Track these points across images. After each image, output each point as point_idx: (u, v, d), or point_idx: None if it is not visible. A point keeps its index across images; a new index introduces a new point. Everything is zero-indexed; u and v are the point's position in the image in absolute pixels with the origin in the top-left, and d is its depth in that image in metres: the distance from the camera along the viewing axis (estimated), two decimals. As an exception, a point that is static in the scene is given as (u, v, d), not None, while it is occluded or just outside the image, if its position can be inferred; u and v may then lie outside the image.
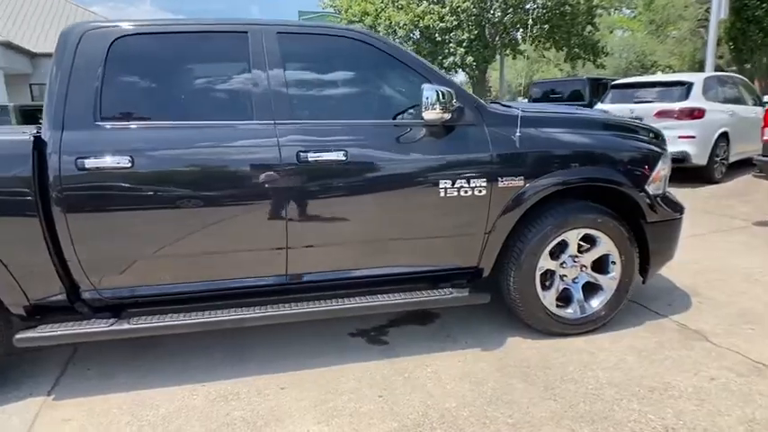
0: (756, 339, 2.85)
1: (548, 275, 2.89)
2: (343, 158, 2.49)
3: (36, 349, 2.68)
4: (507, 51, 17.18)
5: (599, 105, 8.17)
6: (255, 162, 2.44)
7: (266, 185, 2.44)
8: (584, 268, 2.92)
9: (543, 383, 2.48)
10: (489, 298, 2.79)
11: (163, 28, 2.50)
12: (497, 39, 15.16)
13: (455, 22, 13.67)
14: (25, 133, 2.31)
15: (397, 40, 15.04)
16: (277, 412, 2.32)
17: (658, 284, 3.63)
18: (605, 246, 2.87)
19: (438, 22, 13.78)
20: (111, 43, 2.39)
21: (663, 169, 2.94)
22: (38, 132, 2.35)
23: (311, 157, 2.45)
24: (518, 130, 2.68)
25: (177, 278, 2.52)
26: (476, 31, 13.89)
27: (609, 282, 2.93)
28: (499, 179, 2.65)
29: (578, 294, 2.94)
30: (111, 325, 2.44)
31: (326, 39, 2.67)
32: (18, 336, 2.37)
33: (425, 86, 2.38)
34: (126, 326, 2.44)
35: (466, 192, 2.63)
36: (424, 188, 2.59)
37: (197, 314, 2.52)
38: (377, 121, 2.60)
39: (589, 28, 16.25)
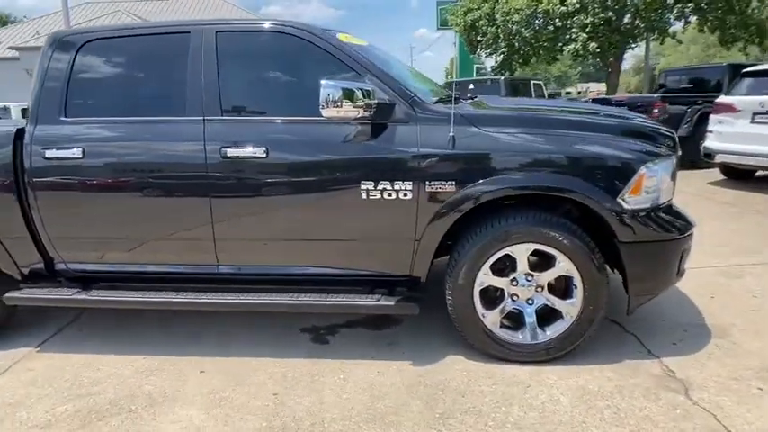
0: (755, 402, 2.23)
1: (496, 292, 2.59)
2: (264, 155, 2.52)
3: (42, 309, 3.20)
4: (655, 35, 15.11)
5: (721, 98, 6.86)
6: (184, 156, 2.59)
7: (194, 179, 2.58)
8: (539, 289, 2.55)
9: (443, 410, 2.26)
10: (418, 310, 2.60)
11: (118, 32, 2.78)
12: (636, 21, 13.34)
13: (578, 5, 12.39)
14: (11, 127, 2.76)
15: (514, 26, 14.23)
16: (178, 393, 2.47)
17: (683, 316, 3.04)
18: (564, 266, 2.47)
19: (558, 6, 12.62)
20: (79, 48, 2.73)
21: (649, 179, 2.42)
22: (24, 126, 2.78)
23: (230, 152, 2.53)
24: (451, 130, 2.43)
25: (127, 259, 2.81)
26: (602, 14, 12.41)
27: (569, 308, 2.53)
28: (427, 183, 2.45)
29: (530, 318, 2.58)
30: (73, 294, 2.81)
31: (264, 35, 2.71)
32: (6, 295, 2.86)
33: (323, 83, 2.28)
34: (83, 296, 2.79)
35: (390, 195, 2.47)
36: (346, 188, 2.50)
37: (143, 293, 2.78)
38: (301, 118, 2.56)
39: (755, 3, 13.41)
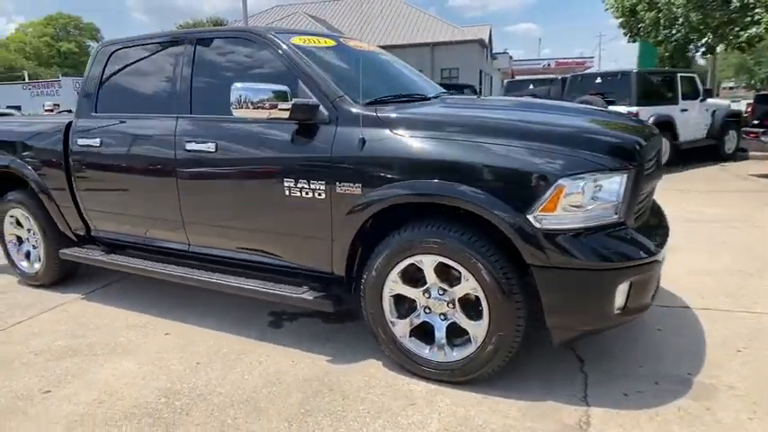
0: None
1: (408, 302, 2.48)
2: (213, 150, 2.80)
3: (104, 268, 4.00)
4: None
5: None
6: (163, 149, 3.00)
7: (169, 168, 2.99)
8: (451, 305, 2.38)
9: (311, 407, 2.28)
10: (331, 308, 2.62)
11: (133, 42, 3.30)
12: None
13: (766, -21, 9.86)
14: (65, 120, 3.51)
15: (679, 9, 11.92)
16: (136, 348, 2.92)
17: (674, 365, 2.52)
18: (470, 283, 2.26)
19: (740, -19, 10.22)
20: (109, 56, 3.34)
21: (571, 196, 2.06)
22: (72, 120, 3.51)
23: (189, 146, 2.86)
24: (360, 132, 2.40)
25: (129, 231, 3.37)
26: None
27: (475, 331, 2.31)
28: (338, 184, 2.46)
29: (440, 333, 2.42)
30: (97, 256, 3.48)
31: (229, 41, 2.96)
32: (60, 251, 3.66)
33: (233, 86, 2.44)
34: (103, 258, 3.44)
35: (307, 193, 2.55)
36: (273, 184, 2.64)
37: (142, 262, 3.31)
38: (240, 117, 2.74)
39: None
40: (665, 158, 8.22)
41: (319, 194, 2.51)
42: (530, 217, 2.07)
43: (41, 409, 2.36)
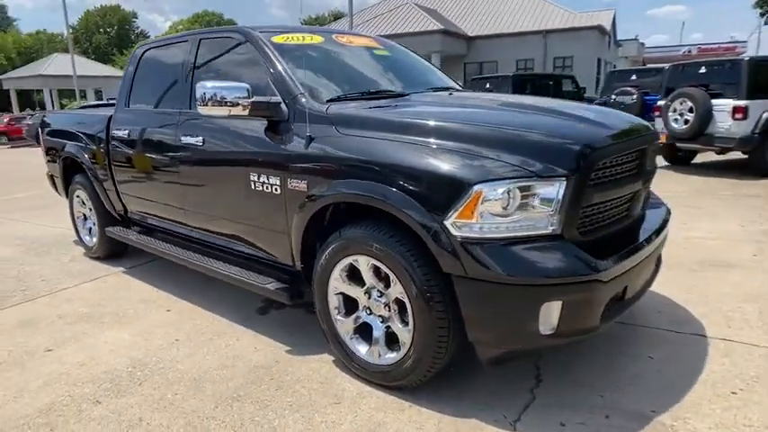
0: None
1: (354, 301, 2.48)
2: (201, 144, 3.01)
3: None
4: None
5: None
6: (167, 140, 3.28)
7: (173, 159, 3.26)
8: (387, 308, 2.33)
9: (245, 393, 2.38)
10: (288, 300, 2.69)
11: (157, 43, 3.62)
12: None
13: None
14: (109, 112, 3.97)
15: None
16: (136, 320, 3.26)
17: (639, 398, 2.23)
18: (398, 288, 2.20)
19: None
20: (141, 56, 3.71)
21: (491, 203, 1.90)
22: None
23: (183, 140, 3.10)
24: (307, 130, 2.43)
25: (150, 213, 3.73)
26: None
27: (405, 336, 2.24)
28: (289, 180, 2.52)
29: (377, 335, 2.38)
30: (126, 234, 3.92)
31: (222, 40, 3.12)
32: (106, 228, 4.17)
33: (198, 84, 2.57)
34: (130, 236, 3.87)
35: (267, 188, 2.64)
36: (243, 177, 2.76)
37: (158, 242, 3.67)
38: (219, 114, 2.88)
39: None
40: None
41: (276, 189, 2.59)
42: (447, 223, 1.95)
43: (37, 364, 2.74)
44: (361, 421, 2.15)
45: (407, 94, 2.83)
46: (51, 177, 4.95)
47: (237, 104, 2.54)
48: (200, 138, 3.00)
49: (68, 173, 4.54)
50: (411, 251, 2.10)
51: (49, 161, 4.84)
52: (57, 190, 4.97)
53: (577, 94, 13.62)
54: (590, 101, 12.56)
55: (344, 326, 2.48)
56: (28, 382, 2.58)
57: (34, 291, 3.85)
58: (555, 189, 1.92)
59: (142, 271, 4.20)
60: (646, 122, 2.60)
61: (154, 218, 3.73)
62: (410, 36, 23.93)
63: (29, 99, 43.15)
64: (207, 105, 2.58)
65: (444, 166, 2.00)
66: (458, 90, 3.32)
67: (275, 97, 2.62)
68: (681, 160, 8.87)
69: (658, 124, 8.51)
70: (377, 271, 2.29)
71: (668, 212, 2.79)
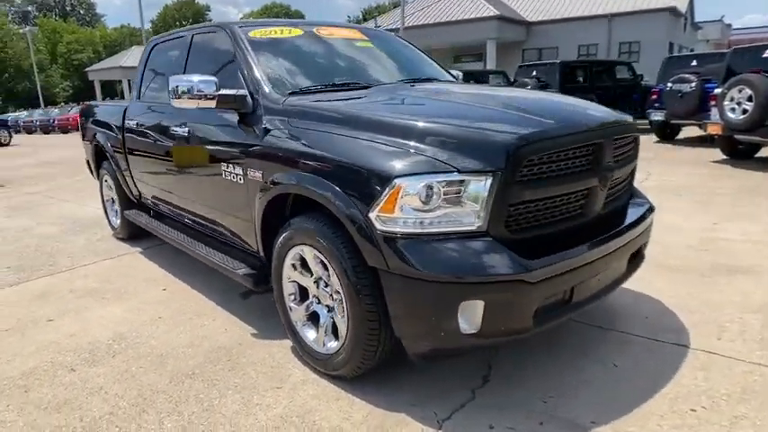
0: None
1: (306, 290, 2.53)
2: (187, 134, 3.16)
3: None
4: None
5: None
6: (164, 130, 3.47)
7: (167, 148, 3.45)
8: (331, 298, 2.36)
9: (200, 372, 2.50)
10: (252, 285, 2.77)
11: (163, 38, 3.79)
12: None
13: None
14: (126, 104, 4.23)
15: None
16: (134, 297, 3.49)
17: (586, 411, 2.15)
18: (335, 279, 2.22)
19: None
20: (151, 50, 3.92)
21: (410, 197, 1.87)
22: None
23: (175, 130, 3.26)
24: (265, 121, 2.49)
25: (155, 198, 3.96)
26: None
27: (342, 327, 2.26)
28: (248, 170, 2.60)
29: (323, 321, 2.42)
30: (137, 217, 4.19)
31: (208, 35, 3.24)
32: (125, 212, 4.47)
33: (171, 78, 2.69)
34: (140, 220, 4.13)
35: (233, 177, 2.74)
36: (217, 166, 2.88)
37: (162, 227, 3.90)
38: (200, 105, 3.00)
39: None
40: None
41: (240, 180, 2.68)
42: (371, 216, 1.95)
43: (35, 332, 3.02)
44: (294, 407, 2.21)
45: (370, 86, 2.82)
46: (88, 163, 5.35)
47: (206, 97, 2.64)
48: (187, 129, 3.15)
49: (98, 159, 4.90)
50: (345, 244, 2.11)
51: (86, 148, 5.24)
52: (92, 174, 5.37)
53: (633, 82, 12.80)
54: (647, 89, 11.80)
55: (297, 313, 2.54)
56: (23, 347, 2.85)
57: (59, 266, 4.21)
58: (479, 185, 1.86)
59: (155, 252, 4.46)
60: (614, 114, 2.44)
61: (157, 202, 3.96)
62: (463, 23, 23.44)
63: (112, 89, 46.47)
64: (178, 98, 2.70)
65: (370, 159, 2.00)
66: (440, 81, 3.26)
67: (242, 90, 2.70)
68: (741, 154, 8.16)
69: (714, 114, 7.87)
70: (323, 261, 2.32)
71: (649, 210, 2.61)
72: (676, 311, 2.97)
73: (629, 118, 2.51)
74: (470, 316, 1.89)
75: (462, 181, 1.87)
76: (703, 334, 2.69)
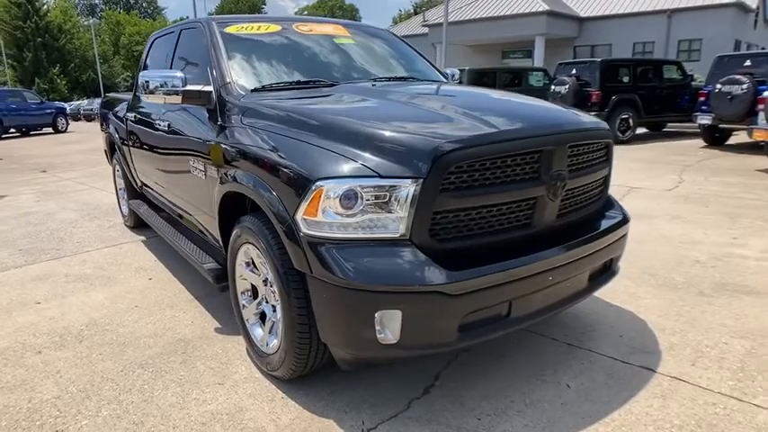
0: None
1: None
2: (167, 128, 3.23)
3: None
4: None
5: None
6: (152, 124, 3.56)
7: (155, 141, 3.54)
8: (276, 297, 2.34)
9: (155, 360, 2.55)
10: (213, 280, 2.78)
11: (161, 32, 3.89)
12: None
13: None
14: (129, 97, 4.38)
15: None
16: (118, 284, 3.61)
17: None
18: (271, 279, 2.21)
19: None
20: (151, 43, 4.04)
21: (330, 201, 1.82)
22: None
23: (158, 124, 3.35)
24: (218, 119, 2.50)
25: (150, 190, 4.07)
26: None
27: (279, 329, 2.24)
28: (207, 167, 2.62)
29: (268, 323, 2.40)
30: (135, 206, 4.33)
31: (188, 30, 3.28)
32: (129, 201, 4.64)
33: (140, 73, 2.74)
34: (139, 209, 4.27)
35: (198, 173, 2.78)
36: (186, 159, 2.92)
37: (152, 217, 4.02)
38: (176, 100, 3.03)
39: None
40: None
41: (202, 175, 2.71)
42: (297, 218, 1.92)
43: (20, 314, 3.18)
44: (228, 404, 2.22)
45: (336, 84, 2.77)
46: (105, 153, 5.59)
47: (172, 93, 2.68)
48: (167, 123, 3.22)
49: (111, 149, 5.11)
50: (278, 245, 2.09)
51: (103, 138, 5.47)
52: (109, 164, 5.61)
53: (683, 83, 12.06)
54: (695, 91, 11.11)
55: (248, 311, 2.54)
56: (3, 327, 3.00)
57: (64, 251, 4.42)
58: (403, 192, 1.79)
59: (155, 242, 4.60)
60: (576, 120, 2.28)
61: (149, 193, 4.08)
62: (510, 19, 22.83)
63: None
64: (147, 94, 2.76)
65: (299, 160, 1.96)
66: (417, 80, 3.17)
67: (207, 86, 2.72)
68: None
69: (762, 119, 7.32)
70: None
71: (620, 222, 2.44)
72: (657, 332, 2.77)
73: (594, 124, 2.34)
74: (388, 326, 1.83)
75: (385, 186, 1.80)
76: (677, 358, 2.50)
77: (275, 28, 3.15)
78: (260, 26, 3.09)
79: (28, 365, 2.57)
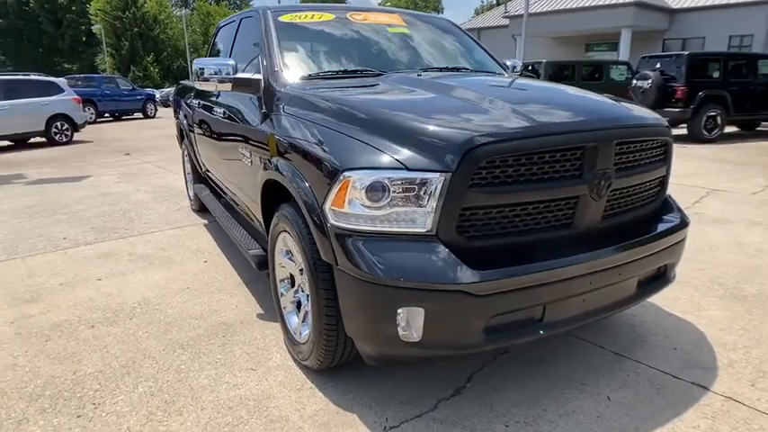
0: None
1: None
2: (223, 115, 3.33)
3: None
4: None
5: None
6: (211, 109, 3.68)
7: (213, 128, 3.66)
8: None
9: (183, 343, 2.66)
10: (256, 266, 2.81)
11: (228, 21, 4.03)
12: None
13: None
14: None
15: None
16: (177, 265, 3.78)
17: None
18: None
19: None
20: (217, 32, 4.20)
21: (357, 191, 1.78)
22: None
23: (214, 111, 3.47)
24: (263, 107, 2.54)
25: (210, 174, 4.23)
26: None
27: (310, 319, 2.25)
28: (253, 154, 2.68)
29: (303, 312, 2.42)
30: (201, 192, 4.52)
31: (249, 20, 3.33)
32: (195, 185, 4.85)
33: (194, 61, 2.82)
34: (202, 194, 4.46)
35: (246, 160, 2.84)
36: (238, 146, 2.99)
37: (211, 201, 4.19)
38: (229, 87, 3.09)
39: None
40: None
41: (251, 162, 2.76)
42: (325, 209, 1.90)
43: (82, 288, 3.42)
44: (257, 390, 2.25)
45: (381, 74, 2.73)
46: (177, 138, 5.89)
47: (223, 80, 2.76)
48: (222, 110, 3.32)
49: (181, 135, 5.37)
50: (309, 235, 2.09)
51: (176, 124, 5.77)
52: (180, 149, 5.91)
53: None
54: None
55: (286, 299, 2.57)
56: (66, 300, 3.24)
57: (132, 230, 4.72)
58: (430, 186, 1.72)
59: (215, 225, 4.79)
60: (628, 115, 2.09)
61: (209, 177, 4.25)
62: (595, 9, 21.61)
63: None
64: (200, 81, 2.85)
65: (330, 150, 1.94)
66: (470, 71, 3.05)
67: (257, 74, 2.77)
68: None
69: None
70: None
71: (678, 226, 2.23)
72: (716, 346, 2.52)
73: (649, 120, 2.14)
74: (411, 323, 1.77)
75: (412, 179, 1.74)
76: (736, 377, 2.26)
77: (329, 17, 3.14)
78: (314, 15, 3.10)
79: (80, 339, 2.75)
